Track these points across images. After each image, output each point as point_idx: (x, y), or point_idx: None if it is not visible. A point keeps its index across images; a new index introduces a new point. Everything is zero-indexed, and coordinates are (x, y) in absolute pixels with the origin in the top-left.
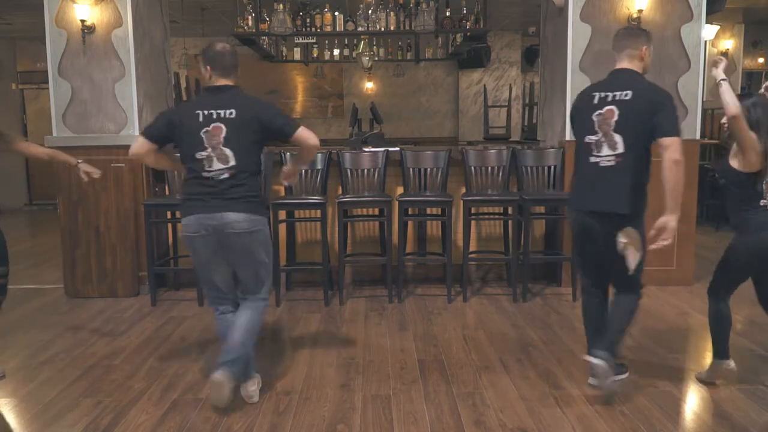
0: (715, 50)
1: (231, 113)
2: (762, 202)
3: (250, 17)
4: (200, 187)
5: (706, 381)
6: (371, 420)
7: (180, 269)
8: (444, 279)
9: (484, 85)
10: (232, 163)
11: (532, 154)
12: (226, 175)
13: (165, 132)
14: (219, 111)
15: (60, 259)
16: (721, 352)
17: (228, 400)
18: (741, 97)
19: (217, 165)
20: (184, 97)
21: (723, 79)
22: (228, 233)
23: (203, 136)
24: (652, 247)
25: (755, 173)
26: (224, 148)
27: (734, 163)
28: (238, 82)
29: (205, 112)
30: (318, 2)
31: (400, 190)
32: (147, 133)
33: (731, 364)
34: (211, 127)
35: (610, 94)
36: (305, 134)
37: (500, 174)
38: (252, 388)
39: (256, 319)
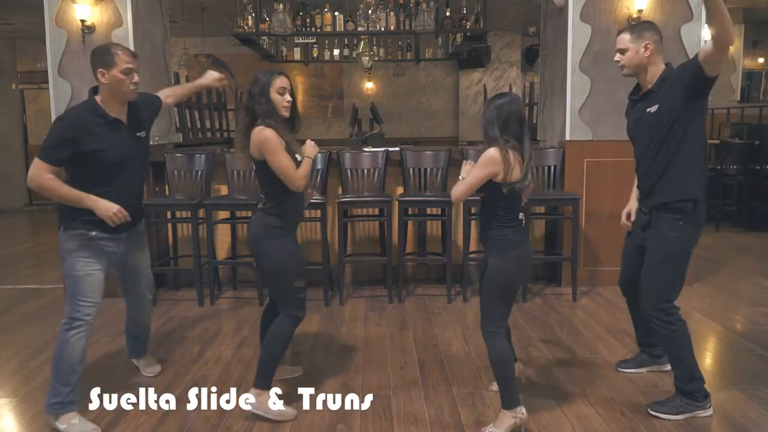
0: None
1: None
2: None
3: (250, 17)
4: None
5: None
6: (371, 420)
7: (180, 269)
8: (444, 279)
9: (484, 85)
10: None
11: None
12: None
13: None
14: None
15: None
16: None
17: None
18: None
19: None
20: None
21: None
22: None
23: None
24: None
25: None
26: None
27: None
28: None
29: None
30: (318, 2)
31: (400, 190)
32: None
33: (524, 410)
34: None
35: None
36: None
37: None
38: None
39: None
